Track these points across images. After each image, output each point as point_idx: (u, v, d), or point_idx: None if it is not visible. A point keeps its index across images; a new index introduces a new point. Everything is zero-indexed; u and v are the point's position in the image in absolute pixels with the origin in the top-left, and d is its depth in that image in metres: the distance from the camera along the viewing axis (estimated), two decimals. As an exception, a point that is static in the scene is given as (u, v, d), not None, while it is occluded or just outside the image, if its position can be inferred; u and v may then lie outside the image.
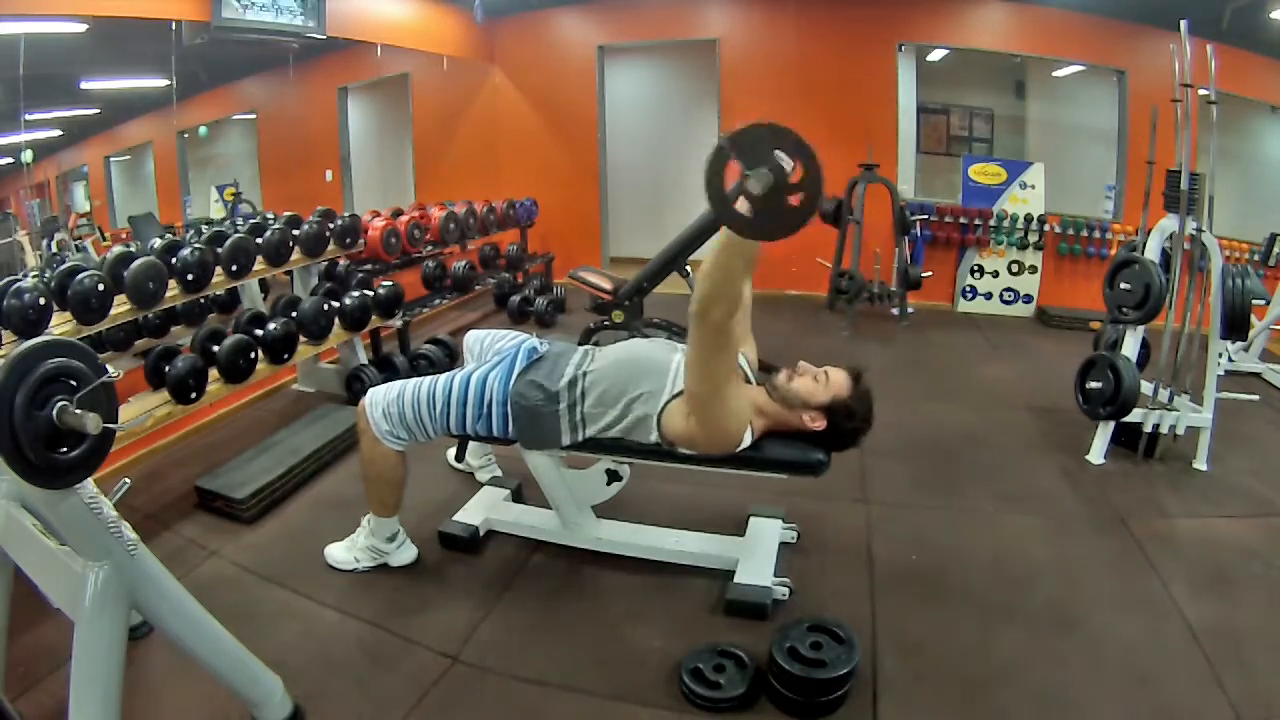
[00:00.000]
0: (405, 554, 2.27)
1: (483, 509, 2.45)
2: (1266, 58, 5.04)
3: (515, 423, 2.05)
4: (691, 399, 1.85)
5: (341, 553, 2.26)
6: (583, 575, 2.23)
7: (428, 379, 2.14)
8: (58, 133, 4.58)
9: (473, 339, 2.50)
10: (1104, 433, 3.05)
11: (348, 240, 3.80)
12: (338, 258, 3.93)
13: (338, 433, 2.99)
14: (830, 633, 1.78)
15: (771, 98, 5.76)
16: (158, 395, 2.75)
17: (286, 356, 3.10)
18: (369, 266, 4.37)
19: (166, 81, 4.67)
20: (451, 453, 2.88)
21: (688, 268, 3.68)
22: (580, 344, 2.30)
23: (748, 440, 1.91)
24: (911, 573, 2.26)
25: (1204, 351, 3.05)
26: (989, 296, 5.69)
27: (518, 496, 2.58)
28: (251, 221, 3.69)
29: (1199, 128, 2.98)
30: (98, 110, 4.81)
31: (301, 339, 3.20)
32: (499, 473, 2.73)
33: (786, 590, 2.06)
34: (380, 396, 2.12)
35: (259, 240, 3.23)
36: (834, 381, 1.90)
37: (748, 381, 2.07)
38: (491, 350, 2.36)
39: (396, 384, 2.15)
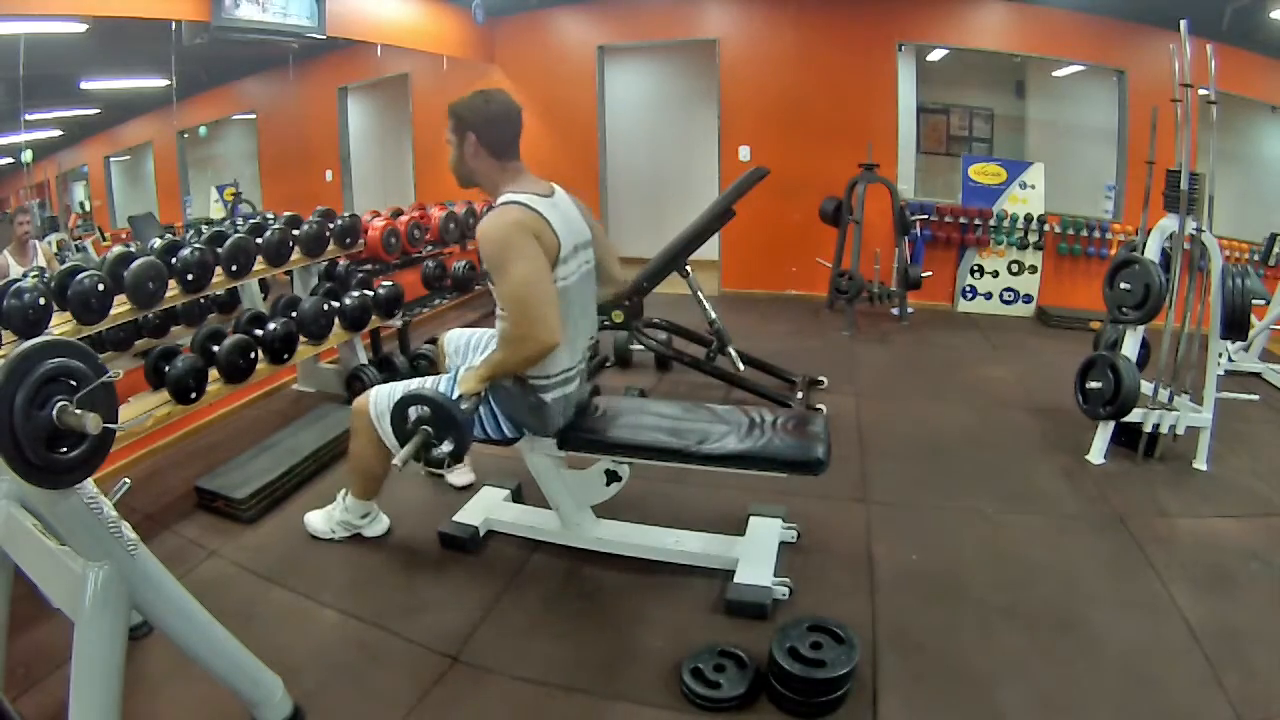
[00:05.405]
0: (378, 526, 2.41)
1: (483, 509, 2.45)
2: (1266, 58, 5.03)
3: (515, 417, 2.06)
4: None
5: (320, 521, 2.40)
6: (583, 575, 2.23)
7: (429, 380, 2.14)
8: (58, 133, 4.59)
9: (452, 340, 2.45)
10: (1104, 433, 3.05)
11: (348, 240, 3.80)
12: (338, 258, 3.92)
13: (338, 433, 2.98)
14: (830, 633, 1.78)
15: (771, 97, 5.76)
16: (158, 395, 2.75)
17: (286, 356, 3.10)
18: (369, 266, 4.38)
19: (166, 81, 4.67)
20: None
21: (688, 268, 3.69)
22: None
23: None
24: (911, 573, 2.26)
25: (1204, 351, 3.05)
26: (989, 296, 5.68)
27: (518, 496, 2.58)
28: (251, 221, 3.69)
29: (1199, 128, 2.98)
30: (98, 110, 4.82)
31: (301, 339, 3.20)
32: (472, 476, 2.72)
33: (786, 590, 2.06)
34: (384, 398, 2.12)
35: (259, 240, 3.23)
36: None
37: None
38: (477, 351, 2.33)
39: (399, 386, 2.15)
